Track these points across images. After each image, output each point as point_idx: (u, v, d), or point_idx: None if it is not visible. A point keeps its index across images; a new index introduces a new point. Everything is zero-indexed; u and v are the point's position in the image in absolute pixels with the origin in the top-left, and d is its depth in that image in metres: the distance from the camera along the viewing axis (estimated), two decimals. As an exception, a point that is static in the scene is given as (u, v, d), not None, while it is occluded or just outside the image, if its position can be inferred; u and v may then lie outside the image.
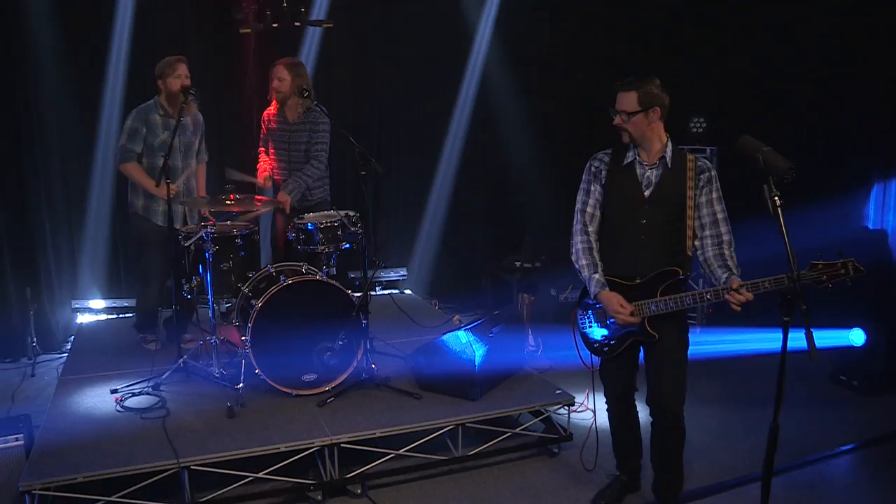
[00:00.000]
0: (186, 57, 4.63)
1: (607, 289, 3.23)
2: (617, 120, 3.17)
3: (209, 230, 4.12)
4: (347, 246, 4.61)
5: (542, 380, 4.43)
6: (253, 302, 4.05)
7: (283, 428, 3.73)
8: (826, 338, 5.48)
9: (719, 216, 3.18)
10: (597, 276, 3.25)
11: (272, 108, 4.98)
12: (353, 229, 4.51)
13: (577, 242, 3.33)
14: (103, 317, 5.80)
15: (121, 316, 5.81)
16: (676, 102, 6.42)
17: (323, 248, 4.51)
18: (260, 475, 3.53)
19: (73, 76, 5.49)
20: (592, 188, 3.33)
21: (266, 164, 4.99)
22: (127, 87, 5.55)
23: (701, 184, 3.19)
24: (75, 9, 5.47)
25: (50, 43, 5.43)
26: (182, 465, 3.36)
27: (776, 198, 2.44)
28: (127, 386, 4.20)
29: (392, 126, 6.71)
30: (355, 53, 6.46)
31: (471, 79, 6.91)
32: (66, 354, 5.19)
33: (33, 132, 5.50)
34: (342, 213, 4.57)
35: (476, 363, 4.00)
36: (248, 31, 5.13)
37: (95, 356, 4.84)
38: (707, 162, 3.26)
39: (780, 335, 5.96)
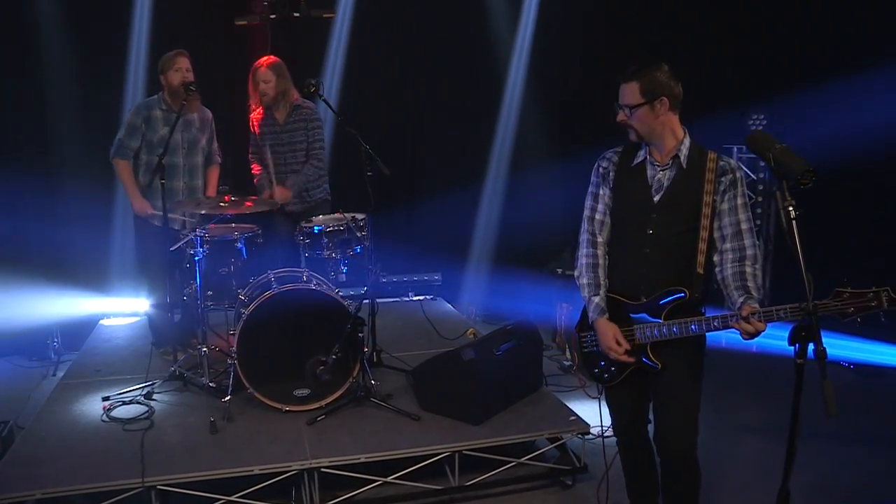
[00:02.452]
0: (190, 51, 4.45)
1: (606, 316, 2.80)
2: (620, 116, 2.72)
3: (199, 233, 3.91)
4: (358, 250, 4.34)
5: (558, 403, 4.01)
6: (242, 310, 3.82)
7: (263, 448, 3.47)
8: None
9: (743, 226, 2.67)
10: (597, 299, 2.82)
11: (258, 113, 4.74)
12: (359, 234, 4.23)
13: (582, 256, 2.90)
14: (124, 320, 5.71)
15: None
16: (735, 98, 5.94)
17: (329, 252, 4.25)
18: (233, 498, 3.28)
19: (96, 76, 5.45)
20: (601, 192, 2.89)
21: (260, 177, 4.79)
22: (147, 86, 5.48)
23: (722, 187, 2.69)
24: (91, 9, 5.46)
25: (70, 42, 5.45)
26: (146, 484, 3.15)
27: (790, 208, 1.96)
28: (119, 393, 4.04)
29: (430, 132, 6.40)
30: (386, 54, 6.20)
31: (515, 81, 6.54)
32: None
33: (62, 130, 5.49)
34: (349, 216, 4.30)
35: (478, 383, 3.63)
36: (245, 22, 4.91)
37: (103, 359, 4.75)
38: (732, 161, 2.75)
39: (858, 343, 5.29)
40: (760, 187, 5.74)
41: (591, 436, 3.71)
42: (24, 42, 5.40)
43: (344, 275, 4.36)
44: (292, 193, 4.64)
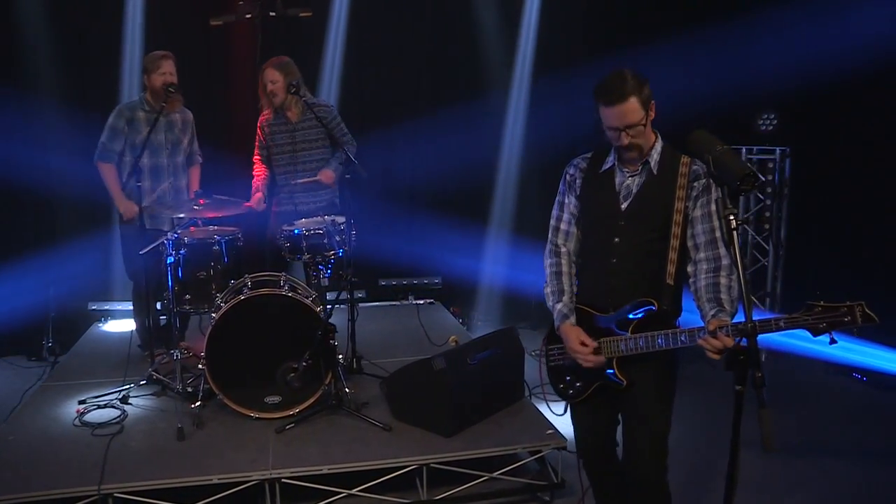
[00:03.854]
0: (179, 51, 4.42)
1: (571, 320, 2.66)
2: (625, 139, 2.49)
3: (171, 236, 3.87)
4: (341, 254, 4.25)
5: (537, 415, 3.85)
6: (213, 315, 3.77)
7: (227, 456, 3.40)
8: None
9: (717, 234, 2.49)
10: (560, 305, 2.68)
11: (268, 114, 4.65)
12: (339, 238, 4.14)
13: (547, 266, 2.78)
14: (120, 322, 5.69)
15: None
16: (743, 96, 5.68)
17: (310, 256, 4.17)
18: (192, 508, 3.22)
19: (91, 82, 5.46)
20: (567, 200, 2.75)
21: (259, 178, 4.71)
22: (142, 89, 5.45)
23: (695, 193, 2.53)
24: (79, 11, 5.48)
25: (66, 45, 5.47)
26: (103, 491, 3.11)
27: (731, 217, 1.79)
28: (95, 397, 4.03)
29: (432, 136, 6.26)
30: (386, 44, 6.05)
31: (521, 81, 6.37)
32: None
33: (59, 132, 5.49)
34: (329, 219, 4.22)
35: (449, 393, 3.51)
36: (220, 23, 4.85)
37: (90, 362, 4.74)
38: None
39: (875, 350, 4.98)
40: (769, 189, 5.48)
41: (571, 450, 3.56)
42: (12, 43, 5.42)
43: (326, 279, 4.27)
44: (335, 174, 4.58)
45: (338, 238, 4.16)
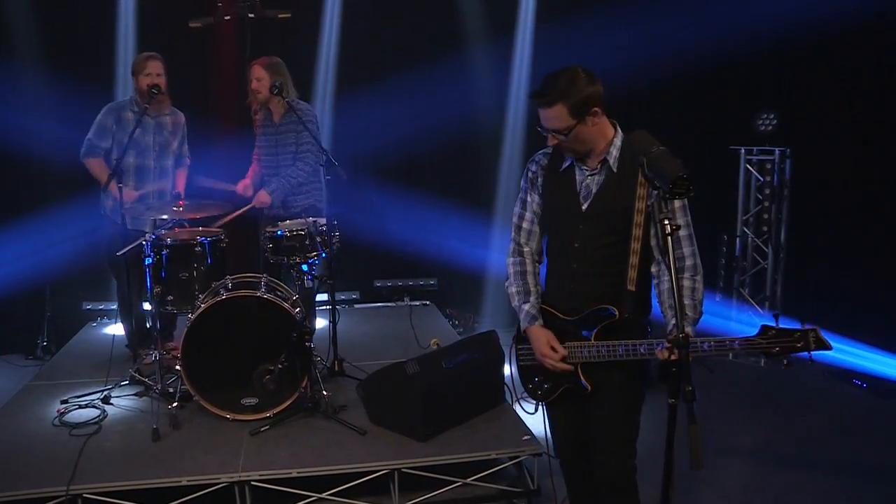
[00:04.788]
0: (170, 53, 4.44)
1: (539, 322, 2.60)
2: (552, 141, 2.44)
3: (149, 237, 3.88)
4: (324, 255, 4.23)
5: (515, 421, 3.78)
6: (190, 316, 3.77)
7: (199, 458, 3.39)
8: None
9: (682, 233, 2.38)
10: (527, 306, 2.62)
11: (261, 114, 4.68)
12: (319, 239, 4.12)
13: (510, 264, 2.71)
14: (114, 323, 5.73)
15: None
16: (742, 96, 5.56)
17: (293, 258, 4.15)
18: (162, 510, 3.22)
19: (85, 85, 5.46)
20: (529, 198, 2.68)
21: (254, 173, 4.71)
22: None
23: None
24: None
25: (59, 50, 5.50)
26: (71, 492, 3.11)
27: (665, 222, 1.73)
28: (77, 397, 4.05)
29: (429, 137, 6.21)
30: (382, 56, 6.02)
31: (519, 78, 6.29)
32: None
33: (55, 129, 5.51)
34: (311, 220, 4.20)
35: (423, 397, 3.47)
36: (199, 25, 4.84)
37: (79, 361, 4.78)
38: None
39: (877, 355, 4.86)
40: (767, 191, 5.36)
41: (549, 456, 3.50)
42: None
43: (309, 280, 4.25)
44: (273, 199, 4.56)
45: (319, 240, 4.14)
